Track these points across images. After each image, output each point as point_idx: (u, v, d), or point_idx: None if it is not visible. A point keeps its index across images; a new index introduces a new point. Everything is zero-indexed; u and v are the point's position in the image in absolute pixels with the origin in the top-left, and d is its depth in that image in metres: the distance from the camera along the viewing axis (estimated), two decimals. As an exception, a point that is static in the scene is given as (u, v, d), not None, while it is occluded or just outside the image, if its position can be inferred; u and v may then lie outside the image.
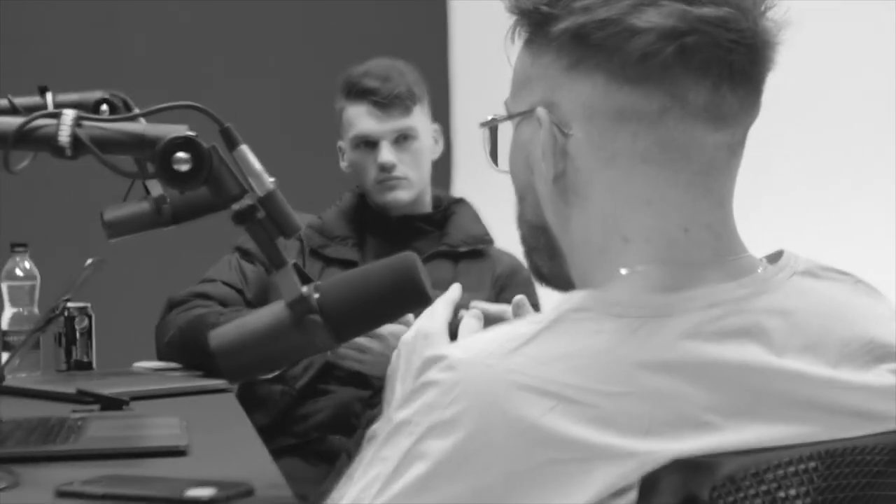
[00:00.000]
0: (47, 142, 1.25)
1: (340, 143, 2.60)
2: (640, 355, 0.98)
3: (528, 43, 1.06)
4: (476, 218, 2.62)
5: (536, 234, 1.12)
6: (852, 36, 3.15)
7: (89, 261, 1.70)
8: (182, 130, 1.25)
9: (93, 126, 1.26)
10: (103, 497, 1.21)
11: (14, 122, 1.26)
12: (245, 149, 1.27)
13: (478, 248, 2.56)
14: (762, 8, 1.02)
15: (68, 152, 1.26)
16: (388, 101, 2.48)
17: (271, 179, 1.27)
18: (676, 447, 0.96)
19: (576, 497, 0.95)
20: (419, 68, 2.61)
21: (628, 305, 1.00)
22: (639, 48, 0.99)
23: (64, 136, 1.25)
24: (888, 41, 2.99)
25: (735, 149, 1.05)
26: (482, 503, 0.96)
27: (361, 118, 2.51)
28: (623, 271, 1.03)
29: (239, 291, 2.50)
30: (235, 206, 1.25)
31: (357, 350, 2.25)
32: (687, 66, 0.99)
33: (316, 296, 1.23)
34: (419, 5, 4.34)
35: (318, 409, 2.43)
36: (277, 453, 2.44)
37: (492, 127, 1.13)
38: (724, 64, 1.00)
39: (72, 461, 1.41)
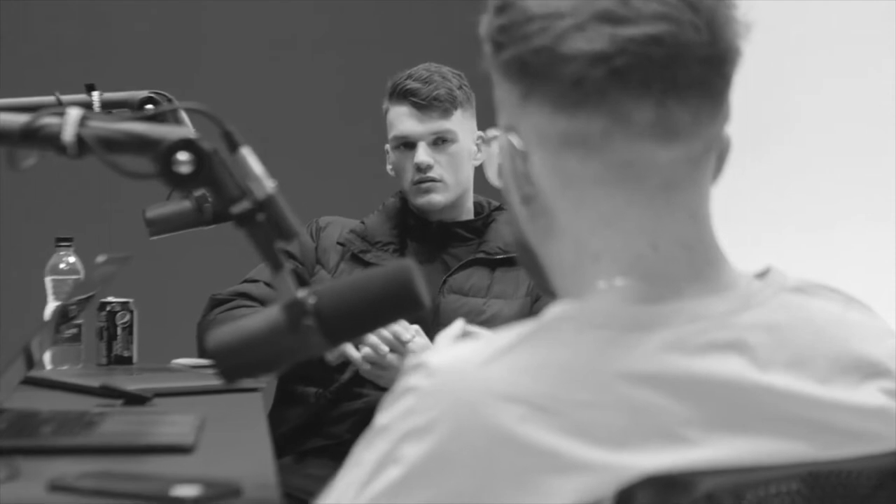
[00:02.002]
0: (52, 141, 1.27)
1: (386, 146, 2.61)
2: (619, 367, 0.98)
3: (493, 69, 1.07)
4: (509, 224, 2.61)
5: (520, 251, 1.13)
6: (853, 39, 3.11)
7: (101, 257, 1.72)
8: (184, 132, 1.26)
9: (97, 126, 1.28)
10: (93, 492, 1.23)
11: (19, 119, 1.28)
12: (246, 151, 1.28)
13: (514, 256, 2.55)
14: (719, 16, 1.00)
15: (72, 152, 1.27)
16: (427, 103, 2.50)
17: (272, 183, 1.27)
18: (653, 461, 0.95)
19: None
20: (474, 76, 2.61)
21: (608, 316, 1.00)
22: (571, 75, 0.99)
23: (68, 136, 1.27)
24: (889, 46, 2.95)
25: (698, 162, 1.03)
26: None
27: (402, 119, 2.53)
28: (601, 284, 1.03)
29: None
30: (235, 209, 1.26)
31: (380, 364, 2.28)
32: (624, 87, 0.99)
33: (312, 300, 1.23)
34: (474, 12, 4.33)
35: (351, 412, 2.45)
36: (310, 454, 2.46)
37: (487, 143, 1.14)
38: (665, 79, 0.99)
39: (74, 455, 1.43)
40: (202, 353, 2.51)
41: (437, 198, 2.53)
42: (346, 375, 2.42)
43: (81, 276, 2.44)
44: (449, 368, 0.99)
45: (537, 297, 2.54)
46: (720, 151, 1.06)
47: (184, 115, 2.03)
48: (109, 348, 2.49)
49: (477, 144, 2.61)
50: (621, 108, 0.99)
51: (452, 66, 2.63)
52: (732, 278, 1.06)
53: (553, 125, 1.02)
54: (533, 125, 1.04)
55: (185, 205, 1.92)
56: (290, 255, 2.56)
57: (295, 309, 1.23)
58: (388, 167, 2.63)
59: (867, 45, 3.04)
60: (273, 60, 4.14)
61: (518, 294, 2.52)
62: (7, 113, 1.30)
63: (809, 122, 3.12)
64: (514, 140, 1.06)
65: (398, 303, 1.25)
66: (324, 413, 2.46)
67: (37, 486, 1.26)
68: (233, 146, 1.28)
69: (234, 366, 1.25)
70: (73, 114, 1.28)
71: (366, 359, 2.31)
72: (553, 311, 1.02)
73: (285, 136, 3.78)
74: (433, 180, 2.52)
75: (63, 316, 1.90)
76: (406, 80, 2.55)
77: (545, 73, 1.01)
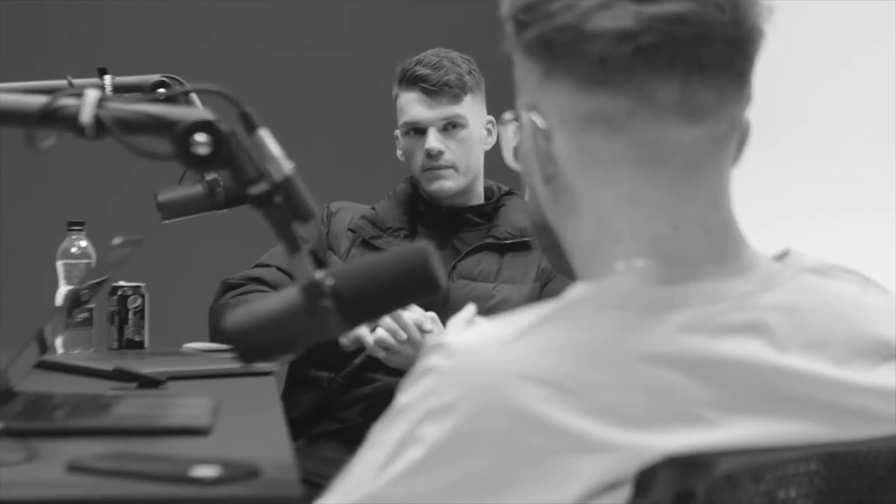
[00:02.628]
0: (70, 122, 1.27)
1: (396, 132, 2.61)
2: (639, 347, 0.98)
3: (514, 48, 1.07)
4: (524, 209, 2.62)
5: (540, 232, 1.13)
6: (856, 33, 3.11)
7: (118, 240, 1.73)
8: (202, 113, 1.26)
9: (115, 107, 1.28)
10: (112, 473, 1.23)
11: (37, 101, 1.28)
12: (264, 133, 1.28)
13: (524, 240, 2.56)
14: None
15: (90, 133, 1.27)
16: (437, 89, 2.50)
17: (290, 164, 1.28)
18: (672, 441, 0.96)
19: (568, 487, 0.95)
20: (484, 61, 2.61)
21: (628, 298, 1.00)
22: (596, 53, 0.99)
23: (86, 117, 1.27)
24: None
25: (721, 142, 1.03)
26: (476, 489, 0.97)
27: (411, 105, 2.53)
28: (620, 266, 1.03)
29: (293, 278, 2.52)
30: (252, 190, 1.26)
31: (388, 351, 2.29)
32: (649, 65, 0.99)
33: (330, 282, 1.23)
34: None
35: (362, 396, 2.45)
36: (321, 437, 2.47)
37: (505, 124, 1.14)
38: (690, 58, 0.99)
39: (91, 437, 1.43)
40: (214, 337, 2.52)
41: (448, 184, 2.53)
42: (359, 360, 2.42)
43: (93, 260, 2.44)
44: (470, 348, 0.99)
45: (546, 282, 2.54)
46: (741, 135, 1.06)
47: (195, 98, 2.04)
48: (121, 332, 2.49)
49: (487, 129, 2.61)
50: (646, 86, 1.00)
51: (461, 51, 2.62)
52: (752, 260, 1.06)
53: (577, 103, 1.02)
54: (556, 104, 1.04)
55: (197, 189, 1.93)
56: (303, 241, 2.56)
57: (313, 290, 1.23)
58: (399, 153, 2.63)
59: (880, 31, 3.04)
60: (284, 45, 4.13)
61: (527, 279, 2.53)
62: (25, 95, 1.30)
63: (819, 110, 3.11)
64: (537, 119, 1.06)
65: (416, 284, 1.25)
66: (336, 397, 2.46)
67: (55, 467, 1.26)
68: (250, 127, 1.28)
69: (252, 347, 1.25)
70: (91, 95, 1.28)
71: (379, 343, 2.31)
72: (573, 291, 1.02)
73: (295, 121, 3.77)
74: (444, 167, 2.52)
75: (76, 300, 1.91)
76: (415, 65, 2.54)
77: (569, 51, 1.01)
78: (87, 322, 2.43)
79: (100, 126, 1.27)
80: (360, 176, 3.52)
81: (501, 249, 2.55)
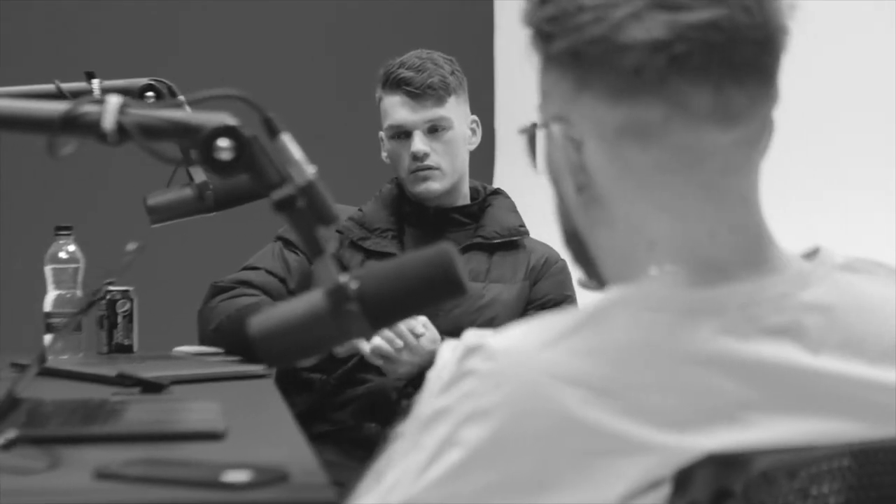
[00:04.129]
0: (92, 128, 1.27)
1: (381, 133, 2.62)
2: (677, 349, 0.99)
3: (539, 58, 1.07)
4: (512, 209, 2.64)
5: (569, 240, 1.14)
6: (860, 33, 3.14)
7: (132, 245, 1.72)
8: (225, 119, 1.26)
9: (137, 113, 1.28)
10: (141, 479, 1.23)
11: (58, 107, 1.28)
12: (286, 137, 1.28)
13: (512, 240, 2.57)
14: None
15: (113, 139, 1.27)
16: (421, 91, 2.50)
17: (312, 168, 1.28)
18: (711, 442, 0.97)
19: (610, 489, 0.96)
20: (463, 60, 2.62)
21: (665, 300, 1.01)
22: (630, 64, 1.00)
23: (108, 123, 1.27)
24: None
25: (753, 143, 1.04)
26: (517, 491, 0.97)
27: (396, 108, 2.53)
28: (653, 271, 1.04)
29: (282, 280, 2.53)
30: (276, 195, 1.26)
31: (387, 360, 2.30)
32: (683, 73, 0.99)
33: (354, 285, 1.24)
34: (464, -1, 4.35)
35: (354, 398, 2.45)
36: (313, 440, 2.46)
37: (529, 133, 1.14)
38: (724, 63, 1.00)
39: (110, 443, 1.43)
40: (203, 341, 2.51)
41: (435, 185, 2.54)
42: (351, 363, 2.43)
43: (81, 264, 2.43)
44: (509, 351, 1.00)
45: (535, 281, 2.56)
46: (768, 133, 1.07)
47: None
48: (110, 337, 2.48)
49: (472, 129, 2.62)
50: (680, 94, 1.00)
51: (443, 52, 2.63)
52: (783, 260, 1.07)
53: (610, 115, 1.03)
54: (588, 115, 1.05)
55: (187, 192, 1.93)
56: (291, 244, 2.56)
57: (338, 294, 1.24)
58: (384, 155, 2.63)
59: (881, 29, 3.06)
60: (267, 49, 4.13)
61: (517, 277, 2.55)
62: (46, 101, 1.30)
63: (818, 110, 3.13)
64: (568, 130, 1.06)
65: (441, 287, 1.26)
66: (327, 399, 2.46)
67: (81, 474, 1.26)
68: (273, 132, 1.28)
69: (278, 350, 1.26)
70: (113, 101, 1.28)
71: (376, 352, 2.32)
72: (609, 295, 1.03)
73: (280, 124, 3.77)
74: (430, 168, 2.53)
75: (91, 304, 1.90)
76: (398, 68, 2.55)
77: (601, 63, 1.01)
78: (76, 327, 2.41)
79: (122, 132, 1.27)
80: (345, 177, 3.52)
81: (490, 249, 2.56)
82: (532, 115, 1.14)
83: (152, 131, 1.28)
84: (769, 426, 1.00)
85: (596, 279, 1.13)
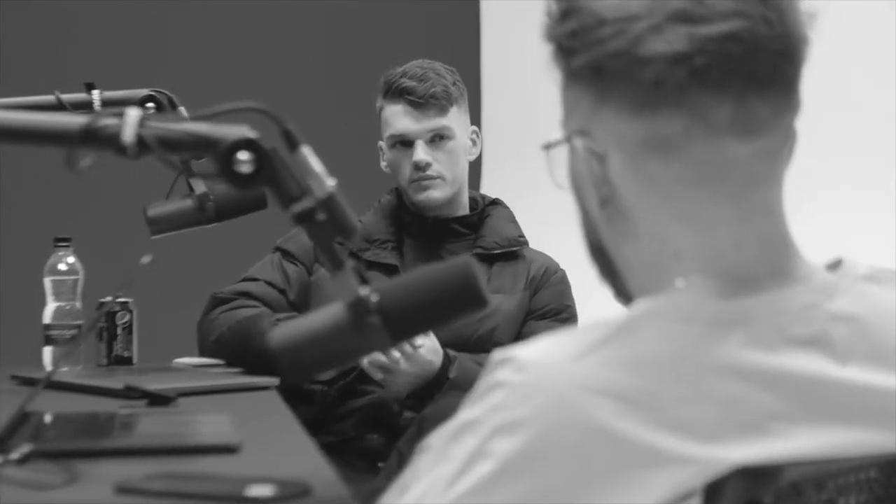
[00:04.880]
0: (111, 142, 1.26)
1: (380, 143, 2.62)
2: (707, 360, 0.99)
3: (561, 73, 1.08)
4: (511, 219, 2.64)
5: (595, 254, 1.14)
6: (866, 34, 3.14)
7: (147, 258, 1.72)
8: (245, 132, 1.26)
9: (157, 126, 1.27)
10: (163, 494, 1.22)
11: (77, 120, 1.27)
12: (306, 150, 1.28)
13: (512, 250, 2.58)
14: (787, 7, 1.02)
15: (132, 152, 1.26)
16: (423, 101, 2.50)
17: (332, 181, 1.28)
18: (741, 453, 0.97)
19: (640, 501, 0.96)
20: (466, 71, 2.63)
21: (693, 312, 1.01)
22: (650, 77, 1.00)
23: (129, 137, 1.26)
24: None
25: (776, 154, 1.05)
26: (550, 503, 0.97)
27: (398, 117, 2.53)
28: (679, 283, 1.04)
29: (281, 292, 2.53)
30: (296, 208, 1.26)
31: (385, 368, 2.30)
32: (704, 85, 1.00)
33: (375, 298, 1.23)
34: (452, 7, 4.36)
35: (355, 409, 2.45)
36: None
37: (550, 148, 1.14)
38: (744, 74, 1.00)
39: (125, 457, 1.42)
40: (203, 352, 2.51)
41: (436, 194, 2.54)
42: (352, 374, 2.42)
43: (80, 276, 2.42)
44: (540, 363, 1.00)
45: (535, 291, 2.56)
46: (790, 143, 1.08)
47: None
48: (110, 348, 2.46)
49: (472, 139, 2.63)
50: (701, 106, 1.01)
51: (443, 62, 2.63)
52: (808, 271, 1.07)
53: (632, 128, 1.03)
54: (610, 128, 1.05)
55: (187, 203, 1.92)
56: (290, 255, 2.56)
57: (359, 307, 1.23)
58: (383, 164, 2.63)
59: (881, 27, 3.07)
60: (260, 59, 4.13)
61: (517, 288, 2.55)
62: (65, 114, 1.30)
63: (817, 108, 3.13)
64: (590, 144, 1.06)
65: (462, 300, 1.26)
66: (329, 411, 2.46)
67: (102, 489, 1.25)
68: (292, 145, 1.28)
69: (299, 364, 1.25)
70: (133, 114, 1.27)
71: (374, 364, 2.31)
72: (638, 306, 1.04)
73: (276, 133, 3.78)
74: (432, 177, 2.53)
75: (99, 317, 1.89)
76: (401, 77, 2.55)
77: (622, 77, 1.02)
78: (75, 338, 2.40)
79: (141, 145, 1.27)
80: (341, 187, 3.52)
81: (489, 260, 2.57)
82: (519, 123, 1.14)
83: (172, 144, 1.28)
84: (798, 437, 1.00)
85: (623, 293, 1.13)
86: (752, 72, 1.01)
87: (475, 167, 4.11)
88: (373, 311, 1.23)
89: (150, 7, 4.10)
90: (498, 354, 1.03)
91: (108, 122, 1.27)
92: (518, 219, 2.67)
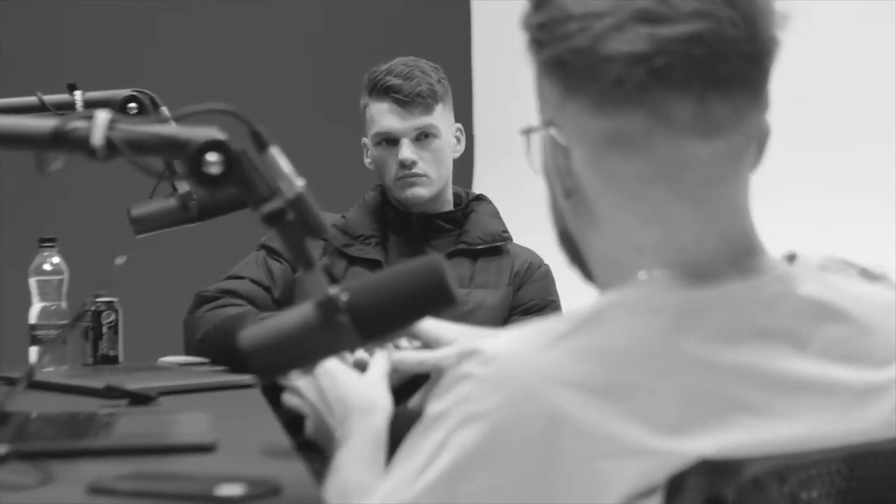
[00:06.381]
0: (81, 144, 1.27)
1: (364, 140, 2.62)
2: (672, 352, 1.00)
3: (534, 63, 1.09)
4: (495, 214, 2.65)
5: (563, 241, 1.15)
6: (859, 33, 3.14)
7: (121, 259, 1.72)
8: (213, 133, 1.26)
9: (126, 129, 1.28)
10: (134, 494, 1.23)
11: (46, 124, 1.28)
12: (275, 151, 1.29)
13: (496, 245, 2.58)
14: (756, 8, 1.02)
15: (102, 155, 1.27)
16: (409, 99, 2.51)
17: (301, 181, 1.28)
18: (705, 445, 0.98)
19: (608, 493, 0.97)
20: (441, 66, 2.63)
21: (658, 303, 1.03)
22: (611, 75, 1.01)
23: (98, 140, 1.27)
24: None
25: (738, 154, 1.05)
26: (512, 494, 0.98)
27: (383, 115, 2.54)
28: (642, 276, 1.05)
29: (266, 289, 2.53)
30: (265, 208, 1.26)
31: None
32: (665, 85, 1.00)
33: (345, 297, 1.24)
34: (442, 4, 4.36)
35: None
36: (298, 449, 2.45)
37: (527, 134, 1.15)
38: (706, 76, 1.01)
39: (101, 457, 1.43)
40: (189, 350, 2.51)
41: (422, 191, 2.55)
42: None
43: (65, 276, 2.43)
44: (505, 355, 1.01)
45: (519, 286, 2.57)
46: (760, 140, 1.08)
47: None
48: (95, 348, 2.47)
49: (456, 136, 2.63)
50: (662, 106, 1.01)
51: (420, 57, 2.63)
52: (770, 265, 1.08)
53: (594, 123, 1.04)
54: (574, 122, 1.06)
55: (171, 202, 1.93)
56: (275, 252, 2.56)
57: (328, 306, 1.24)
58: (367, 161, 2.64)
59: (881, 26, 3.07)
60: (248, 56, 4.13)
61: (500, 283, 2.56)
62: (31, 118, 1.30)
63: (816, 108, 3.13)
64: (556, 135, 1.07)
65: (431, 298, 1.26)
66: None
67: (74, 490, 1.26)
68: (261, 146, 1.29)
69: (269, 363, 1.26)
70: (102, 117, 1.28)
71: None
72: (604, 299, 1.05)
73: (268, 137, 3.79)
74: (417, 175, 2.53)
75: (79, 317, 1.89)
76: (386, 75, 2.55)
77: (585, 73, 1.03)
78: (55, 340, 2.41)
79: (110, 148, 1.27)
80: (326, 184, 3.52)
81: (473, 255, 2.57)
82: (510, 119, 1.15)
83: (141, 146, 1.28)
84: (763, 429, 1.01)
85: (592, 278, 1.14)
86: (716, 73, 1.01)
87: (467, 165, 4.13)
88: (342, 310, 1.24)
89: (138, 6, 4.11)
90: (465, 346, 1.04)
91: (78, 125, 1.28)
92: (510, 216, 2.67)
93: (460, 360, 1.03)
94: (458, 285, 2.48)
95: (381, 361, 1.46)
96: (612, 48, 1.01)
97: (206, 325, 2.45)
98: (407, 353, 1.49)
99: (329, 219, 2.63)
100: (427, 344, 1.51)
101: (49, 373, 2.31)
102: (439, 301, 1.26)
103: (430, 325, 1.51)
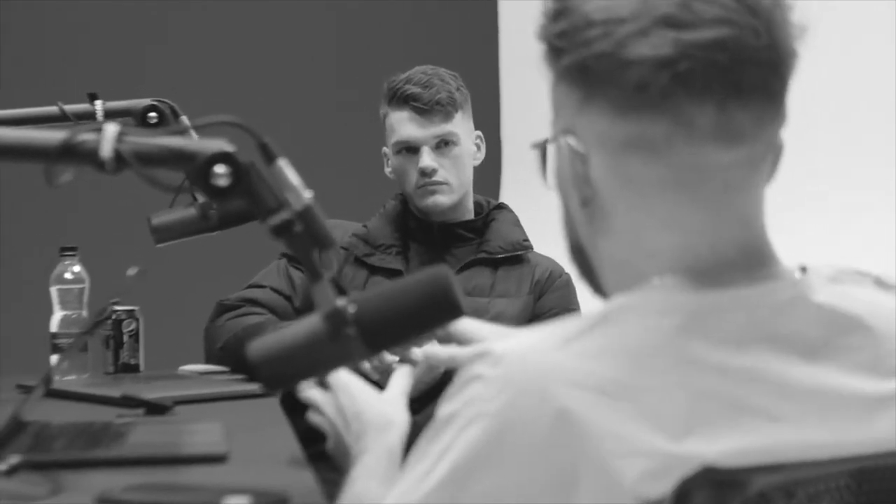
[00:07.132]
0: (90, 157, 1.27)
1: (385, 149, 2.62)
2: (682, 354, 1.00)
3: (551, 72, 1.08)
4: (515, 223, 2.64)
5: (574, 253, 1.15)
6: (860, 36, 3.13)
7: (133, 270, 1.73)
8: (221, 145, 1.26)
9: (134, 141, 1.28)
10: (143, 505, 1.24)
11: (55, 136, 1.28)
12: (283, 163, 1.29)
13: (516, 254, 2.58)
14: (777, 19, 1.02)
15: (110, 167, 1.27)
16: (429, 107, 2.51)
17: (308, 193, 1.28)
18: (715, 446, 0.97)
19: (617, 493, 0.96)
20: (469, 75, 2.64)
21: (670, 306, 1.02)
22: (634, 80, 1.01)
23: (106, 152, 1.27)
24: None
25: (756, 163, 1.05)
26: (522, 494, 0.98)
27: (403, 124, 2.54)
28: (655, 280, 1.05)
29: (287, 298, 2.54)
30: (273, 220, 1.26)
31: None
32: (687, 91, 1.00)
33: (352, 309, 1.24)
34: (469, 13, 4.36)
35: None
36: (315, 458, 2.46)
37: (541, 147, 1.15)
38: (728, 83, 1.01)
39: (113, 467, 1.43)
40: (209, 359, 2.52)
41: (443, 199, 2.54)
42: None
43: (86, 285, 2.44)
44: (515, 356, 1.01)
45: (540, 295, 2.56)
46: (775, 154, 1.08)
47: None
48: (116, 357, 2.49)
49: (476, 144, 2.63)
50: (684, 112, 1.01)
51: (448, 66, 2.64)
52: (783, 273, 1.08)
53: (615, 129, 1.04)
54: (593, 128, 1.06)
55: (190, 211, 1.93)
56: (295, 261, 2.56)
57: (336, 318, 1.24)
58: (388, 170, 2.64)
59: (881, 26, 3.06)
60: (268, 64, 4.15)
61: (521, 292, 2.55)
62: (43, 130, 1.31)
63: (816, 108, 3.12)
64: (573, 143, 1.07)
65: (438, 310, 1.26)
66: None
67: (83, 500, 1.26)
68: (269, 157, 1.29)
69: (276, 375, 1.26)
70: (111, 129, 1.28)
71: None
72: (615, 301, 1.04)
73: (281, 141, 3.80)
74: (438, 183, 2.53)
75: (96, 325, 1.90)
76: (405, 84, 2.55)
77: (607, 78, 1.03)
78: (83, 347, 2.42)
79: (119, 160, 1.28)
80: (347, 192, 3.53)
81: (494, 264, 2.57)
82: (538, 128, 1.15)
83: (149, 159, 1.29)
84: (769, 434, 1.00)
85: (600, 291, 1.14)
86: (736, 80, 1.01)
87: (494, 173, 4.12)
88: (349, 322, 1.24)
89: (157, 14, 4.13)
90: (477, 349, 1.04)
91: (87, 137, 1.28)
92: (537, 225, 2.66)
93: (472, 362, 1.03)
94: (479, 294, 2.52)
95: (402, 378, 1.46)
96: (635, 52, 1.01)
97: (227, 333, 2.46)
98: (438, 348, 1.48)
99: (350, 227, 2.63)
100: (462, 344, 1.50)
101: (70, 381, 2.32)
102: (446, 312, 1.26)
103: (464, 325, 1.50)
